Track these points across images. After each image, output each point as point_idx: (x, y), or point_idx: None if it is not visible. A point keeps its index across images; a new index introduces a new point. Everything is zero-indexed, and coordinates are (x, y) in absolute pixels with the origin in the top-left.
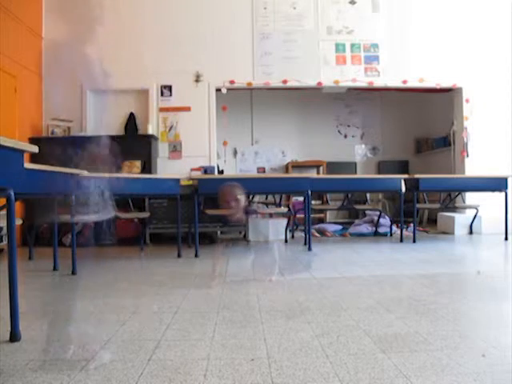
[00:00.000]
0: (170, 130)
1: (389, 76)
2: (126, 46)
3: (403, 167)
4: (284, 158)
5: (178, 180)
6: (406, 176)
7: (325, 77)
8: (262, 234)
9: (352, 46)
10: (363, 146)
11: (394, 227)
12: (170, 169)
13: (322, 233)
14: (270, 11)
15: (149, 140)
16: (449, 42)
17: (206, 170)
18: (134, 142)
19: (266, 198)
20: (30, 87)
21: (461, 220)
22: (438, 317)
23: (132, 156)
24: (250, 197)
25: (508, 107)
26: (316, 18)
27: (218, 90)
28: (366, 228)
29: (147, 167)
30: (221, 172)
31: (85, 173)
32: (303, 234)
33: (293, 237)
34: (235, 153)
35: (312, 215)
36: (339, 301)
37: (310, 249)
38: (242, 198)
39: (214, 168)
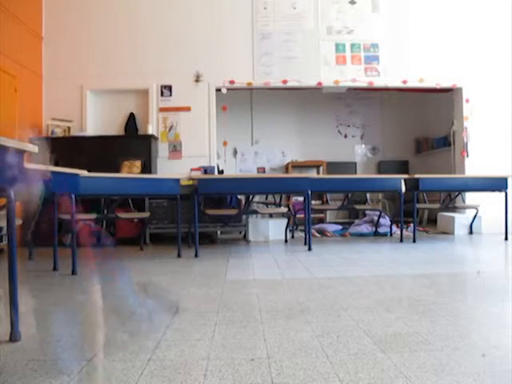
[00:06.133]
0: (170, 130)
1: (389, 76)
2: (126, 46)
3: (403, 167)
4: (284, 158)
5: (177, 180)
6: (406, 176)
7: (325, 77)
8: (262, 234)
9: (352, 45)
10: (363, 145)
11: (394, 227)
12: (170, 169)
13: (322, 233)
14: (270, 11)
15: (149, 140)
16: (449, 42)
17: (205, 170)
18: (133, 142)
19: (266, 198)
20: (30, 87)
21: (461, 220)
22: (437, 317)
23: (132, 156)
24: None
25: (508, 107)
26: (316, 18)
27: (218, 90)
28: (366, 228)
29: (147, 167)
30: (221, 172)
31: (85, 173)
32: (303, 234)
33: (293, 237)
34: (235, 153)
35: (312, 215)
36: (339, 301)
37: (310, 249)
38: None
39: (213, 168)
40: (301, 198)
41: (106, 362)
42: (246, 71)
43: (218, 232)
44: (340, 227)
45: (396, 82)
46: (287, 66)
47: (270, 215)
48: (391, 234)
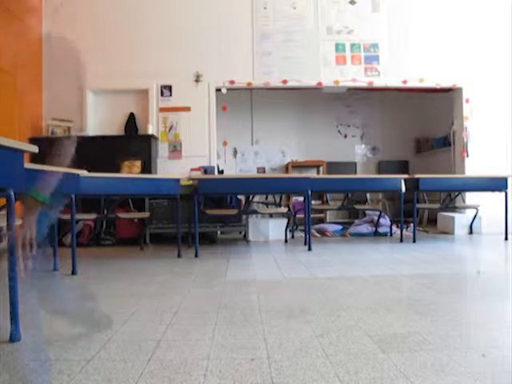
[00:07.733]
0: (170, 130)
1: (389, 76)
2: (126, 46)
3: (403, 167)
4: (284, 158)
5: (177, 180)
6: (406, 176)
7: (325, 77)
8: (262, 234)
9: (352, 45)
10: (363, 145)
11: (394, 227)
12: (170, 169)
13: (322, 233)
14: (270, 11)
15: (149, 140)
16: (449, 41)
17: (205, 170)
18: (133, 142)
19: (266, 198)
20: (30, 87)
21: (461, 220)
22: (437, 317)
23: (132, 156)
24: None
25: (508, 107)
26: (316, 18)
27: (218, 90)
28: (366, 228)
29: (147, 167)
30: (221, 172)
31: (85, 173)
32: (303, 234)
33: (293, 237)
34: (235, 153)
35: (312, 215)
36: (339, 301)
37: (310, 249)
38: None
39: (213, 168)
40: (301, 198)
41: None
42: (246, 71)
43: (218, 232)
44: (340, 227)
45: (396, 82)
46: (287, 66)
47: (270, 215)
48: (391, 234)
